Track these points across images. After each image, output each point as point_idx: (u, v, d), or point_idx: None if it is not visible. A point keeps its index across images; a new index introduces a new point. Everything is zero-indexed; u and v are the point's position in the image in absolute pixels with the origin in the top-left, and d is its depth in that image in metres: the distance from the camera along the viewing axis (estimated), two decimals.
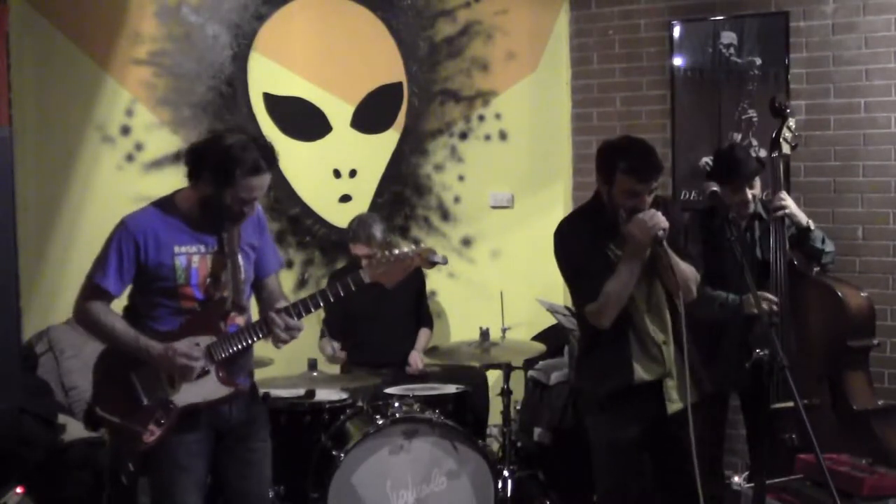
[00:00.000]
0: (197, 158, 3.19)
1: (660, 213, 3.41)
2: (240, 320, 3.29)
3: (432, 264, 3.39)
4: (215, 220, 3.21)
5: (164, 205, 3.25)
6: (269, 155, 3.18)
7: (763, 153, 4.99)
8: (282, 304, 3.32)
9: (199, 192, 3.19)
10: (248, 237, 3.32)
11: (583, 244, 3.55)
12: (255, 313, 3.43)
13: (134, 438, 3.17)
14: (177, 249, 3.18)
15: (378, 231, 5.13)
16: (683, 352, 3.46)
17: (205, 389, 3.20)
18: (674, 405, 3.54)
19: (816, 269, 4.35)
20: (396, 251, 3.26)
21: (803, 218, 4.28)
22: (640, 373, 3.52)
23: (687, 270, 3.49)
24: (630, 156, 3.44)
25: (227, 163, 3.11)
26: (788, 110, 4.38)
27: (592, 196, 3.65)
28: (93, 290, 3.18)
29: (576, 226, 3.66)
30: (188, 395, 3.19)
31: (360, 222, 5.20)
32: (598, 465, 3.66)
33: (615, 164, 3.44)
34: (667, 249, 3.40)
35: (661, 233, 3.37)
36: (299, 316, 3.23)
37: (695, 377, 3.56)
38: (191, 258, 3.19)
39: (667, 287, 3.53)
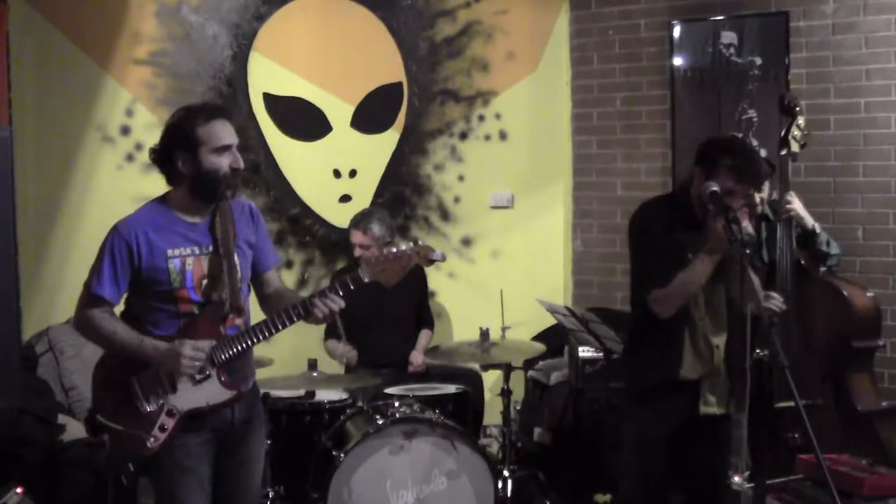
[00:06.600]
0: (162, 151, 3.16)
1: (748, 220, 3.44)
2: (238, 322, 3.25)
3: (431, 262, 3.36)
4: (213, 193, 3.15)
5: (156, 207, 3.20)
6: (216, 105, 3.32)
7: (764, 153, 4.98)
8: (286, 300, 3.29)
9: (184, 181, 3.14)
10: (244, 234, 3.28)
11: (661, 231, 3.57)
12: (253, 315, 3.42)
13: (138, 444, 3.15)
14: (170, 253, 3.13)
15: (377, 227, 5.09)
16: (743, 358, 3.46)
17: (207, 393, 3.18)
18: (709, 408, 3.58)
19: (822, 269, 4.33)
20: (394, 249, 3.23)
21: (809, 220, 4.26)
22: (687, 370, 3.55)
23: (755, 280, 3.50)
24: (737, 155, 3.48)
25: (183, 127, 3.11)
26: (798, 108, 4.33)
27: (678, 188, 3.67)
28: (90, 298, 3.14)
29: (657, 212, 3.67)
30: (191, 399, 3.16)
31: (364, 213, 5.22)
32: (625, 457, 3.72)
33: (719, 160, 3.46)
34: (745, 256, 3.38)
35: (746, 237, 3.38)
36: (299, 317, 3.20)
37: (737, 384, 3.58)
38: (184, 260, 3.15)
39: (731, 293, 3.56)
